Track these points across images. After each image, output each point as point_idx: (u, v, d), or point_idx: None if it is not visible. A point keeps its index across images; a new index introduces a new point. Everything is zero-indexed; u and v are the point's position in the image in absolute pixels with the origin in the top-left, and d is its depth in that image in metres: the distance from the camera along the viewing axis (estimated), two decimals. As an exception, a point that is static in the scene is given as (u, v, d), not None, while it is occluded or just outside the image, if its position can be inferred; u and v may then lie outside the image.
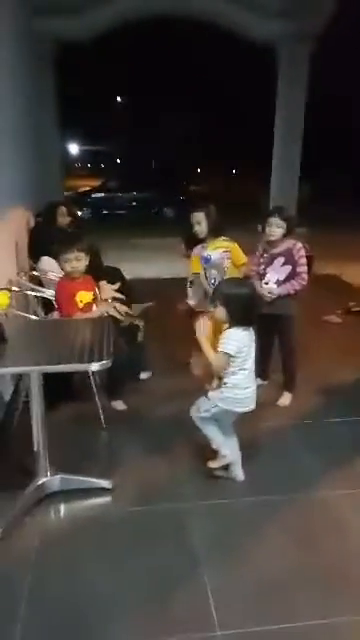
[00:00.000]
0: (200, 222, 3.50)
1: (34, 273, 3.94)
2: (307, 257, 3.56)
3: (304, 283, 3.39)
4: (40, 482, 2.53)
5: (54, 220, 4.32)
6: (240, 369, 2.44)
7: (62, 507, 2.52)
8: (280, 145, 9.02)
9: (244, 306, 2.40)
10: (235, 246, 3.52)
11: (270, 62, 8.88)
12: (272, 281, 3.39)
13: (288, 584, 2.08)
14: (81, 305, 3.01)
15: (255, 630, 1.87)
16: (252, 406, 2.53)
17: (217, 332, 2.48)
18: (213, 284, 3.45)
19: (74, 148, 32.40)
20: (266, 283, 3.40)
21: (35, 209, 5.28)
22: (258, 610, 1.95)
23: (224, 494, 2.59)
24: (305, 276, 3.39)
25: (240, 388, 2.47)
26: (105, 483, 2.62)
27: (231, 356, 2.38)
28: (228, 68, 17.69)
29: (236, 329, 2.40)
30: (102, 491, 2.60)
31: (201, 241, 3.59)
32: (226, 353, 2.37)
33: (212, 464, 2.65)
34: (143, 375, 3.78)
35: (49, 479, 2.55)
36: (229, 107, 22.50)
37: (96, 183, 17.57)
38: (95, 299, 3.11)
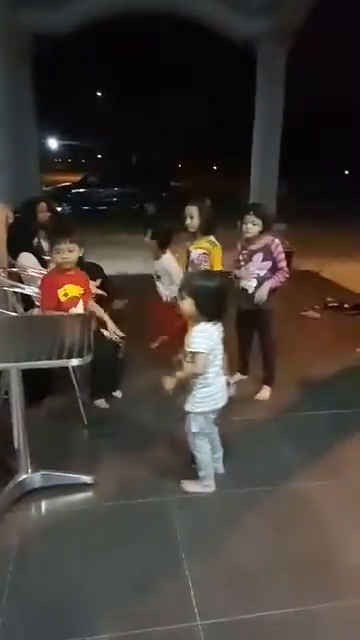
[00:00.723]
0: (193, 216, 3.50)
1: (13, 269, 3.90)
2: (286, 253, 3.60)
3: (287, 276, 3.41)
4: (21, 479, 2.52)
5: (34, 216, 4.28)
6: (212, 366, 2.39)
7: (43, 503, 2.52)
8: (259, 141, 9.09)
9: (213, 299, 2.31)
10: (215, 250, 3.49)
11: (250, 59, 8.92)
12: (254, 285, 3.41)
13: (267, 573, 2.12)
14: (64, 299, 2.96)
15: (235, 619, 1.91)
16: (225, 400, 2.50)
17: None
18: None
19: (53, 143, 32.03)
20: (249, 286, 3.43)
21: (13, 205, 5.22)
22: (238, 599, 1.99)
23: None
24: (287, 269, 3.42)
25: (212, 385, 2.42)
26: (86, 479, 2.62)
27: (207, 355, 2.32)
28: (208, 64, 17.72)
29: (204, 324, 2.33)
30: (84, 486, 2.61)
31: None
32: (201, 353, 2.30)
33: (188, 486, 2.59)
34: (116, 393, 3.57)
35: (30, 476, 2.54)
36: (210, 103, 22.53)
37: (76, 178, 17.40)
38: (84, 294, 3.07)
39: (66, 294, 2.97)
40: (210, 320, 2.35)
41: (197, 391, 2.43)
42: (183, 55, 17.51)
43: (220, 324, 2.40)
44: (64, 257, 2.92)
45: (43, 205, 4.37)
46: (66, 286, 2.97)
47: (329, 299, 5.83)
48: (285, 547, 2.26)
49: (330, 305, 5.73)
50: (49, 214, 4.32)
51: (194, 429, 2.51)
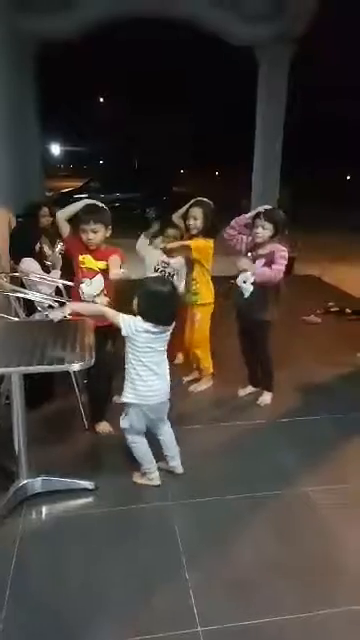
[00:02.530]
0: (197, 217, 3.51)
1: (15, 274, 3.92)
2: (288, 258, 3.56)
3: (278, 276, 3.23)
4: (21, 484, 2.52)
5: (36, 221, 4.29)
6: (137, 361, 2.46)
7: (44, 508, 2.52)
8: (261, 147, 9.11)
9: (152, 302, 2.41)
10: (206, 249, 3.52)
11: (252, 65, 8.96)
12: (249, 281, 3.35)
13: (269, 579, 2.11)
14: (82, 265, 2.99)
15: (236, 625, 1.90)
16: (160, 400, 2.54)
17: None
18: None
19: (56, 149, 32.18)
20: (244, 281, 3.38)
21: (16, 210, 5.24)
22: (239, 605, 1.98)
23: (206, 493, 2.62)
24: (280, 271, 3.23)
25: (140, 379, 2.48)
26: (87, 484, 2.62)
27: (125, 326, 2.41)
28: (211, 70, 17.80)
29: (140, 320, 2.41)
30: (84, 492, 2.60)
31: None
32: (123, 320, 2.42)
33: (137, 478, 2.69)
34: (115, 398, 3.60)
35: (30, 481, 2.54)
36: (212, 109, 22.63)
37: (78, 184, 17.46)
38: (106, 271, 2.98)
39: (83, 262, 3.00)
40: (148, 321, 2.41)
41: (127, 378, 2.51)
42: (186, 61, 17.59)
43: (162, 329, 2.44)
44: (89, 238, 2.94)
45: (45, 210, 4.38)
46: (85, 255, 2.99)
47: (330, 304, 5.83)
48: (286, 552, 2.26)
49: (331, 310, 5.73)
50: (51, 219, 4.32)
51: (123, 424, 2.58)
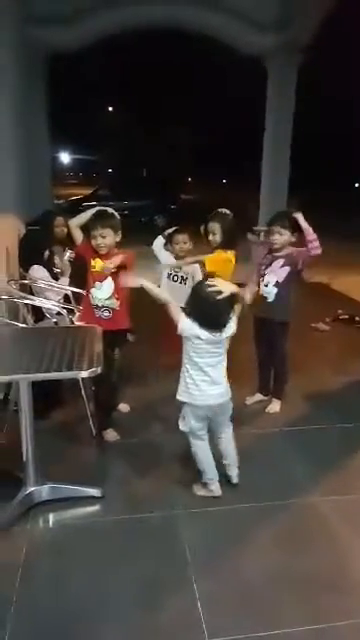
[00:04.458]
0: (215, 233, 3.51)
1: (24, 281, 3.93)
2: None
3: (318, 251, 3.22)
4: (29, 491, 2.51)
5: (50, 230, 4.27)
6: (191, 363, 2.47)
7: (51, 516, 2.51)
8: (269, 156, 9.12)
9: (204, 308, 2.42)
10: (227, 266, 3.46)
11: (260, 73, 9.01)
12: (271, 283, 3.35)
13: (278, 590, 2.08)
14: (93, 269, 3.03)
15: (244, 637, 1.87)
16: (216, 402, 2.52)
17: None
18: None
19: (65, 157, 32.48)
20: (265, 285, 3.38)
21: (25, 217, 5.28)
22: (247, 617, 1.95)
23: (214, 502, 2.59)
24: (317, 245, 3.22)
25: (191, 378, 2.48)
26: (94, 491, 2.61)
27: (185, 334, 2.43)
28: (218, 79, 17.93)
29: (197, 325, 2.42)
30: (92, 500, 2.59)
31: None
32: (183, 320, 2.42)
33: (198, 490, 2.64)
34: (122, 407, 3.53)
35: (38, 488, 2.53)
36: (220, 118, 22.75)
37: (87, 192, 17.60)
38: (116, 273, 2.98)
39: (94, 266, 3.04)
40: (201, 326, 2.41)
41: (181, 376, 2.51)
42: (194, 70, 17.74)
43: (216, 335, 2.43)
44: (98, 243, 2.98)
45: (60, 220, 4.34)
46: (97, 259, 3.03)
47: (339, 311, 5.79)
48: (296, 563, 2.22)
49: (340, 317, 5.69)
50: (66, 229, 4.30)
51: (182, 427, 2.55)
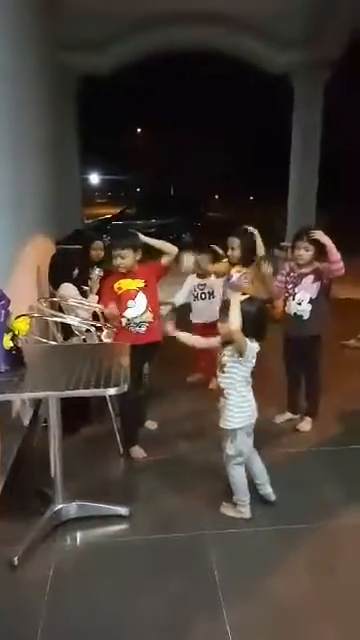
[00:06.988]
0: (234, 248, 3.52)
1: (54, 299, 3.99)
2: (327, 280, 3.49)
3: (341, 271, 3.18)
4: (57, 508, 2.51)
5: (87, 252, 4.29)
6: (245, 380, 2.49)
7: (78, 534, 2.50)
8: (296, 173, 9.12)
9: (254, 321, 2.44)
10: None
11: (287, 90, 9.06)
12: (305, 301, 3.29)
13: (308, 616, 2.01)
14: (119, 292, 3.10)
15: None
16: (255, 416, 2.55)
17: None
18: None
19: (95, 178, 33.16)
20: (299, 303, 3.31)
21: (55, 236, 5.38)
22: (278, 645, 1.89)
23: (243, 523, 2.53)
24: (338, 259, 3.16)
25: (246, 397, 2.51)
26: (122, 510, 2.59)
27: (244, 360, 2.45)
28: (246, 97, 18.09)
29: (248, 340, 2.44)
30: (119, 518, 2.57)
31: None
32: (247, 344, 2.42)
33: (227, 510, 2.60)
34: (149, 424, 3.51)
35: (66, 506, 2.53)
36: (246, 135, 22.89)
37: (116, 211, 17.89)
38: (146, 287, 3.09)
39: (120, 287, 3.10)
40: (257, 340, 2.47)
41: (232, 404, 2.48)
42: (220, 89, 17.96)
43: (258, 345, 2.48)
44: (117, 263, 3.08)
45: (99, 243, 4.37)
46: (120, 281, 3.11)
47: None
48: (328, 588, 2.15)
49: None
50: (102, 253, 4.33)
51: (230, 452, 2.51)
